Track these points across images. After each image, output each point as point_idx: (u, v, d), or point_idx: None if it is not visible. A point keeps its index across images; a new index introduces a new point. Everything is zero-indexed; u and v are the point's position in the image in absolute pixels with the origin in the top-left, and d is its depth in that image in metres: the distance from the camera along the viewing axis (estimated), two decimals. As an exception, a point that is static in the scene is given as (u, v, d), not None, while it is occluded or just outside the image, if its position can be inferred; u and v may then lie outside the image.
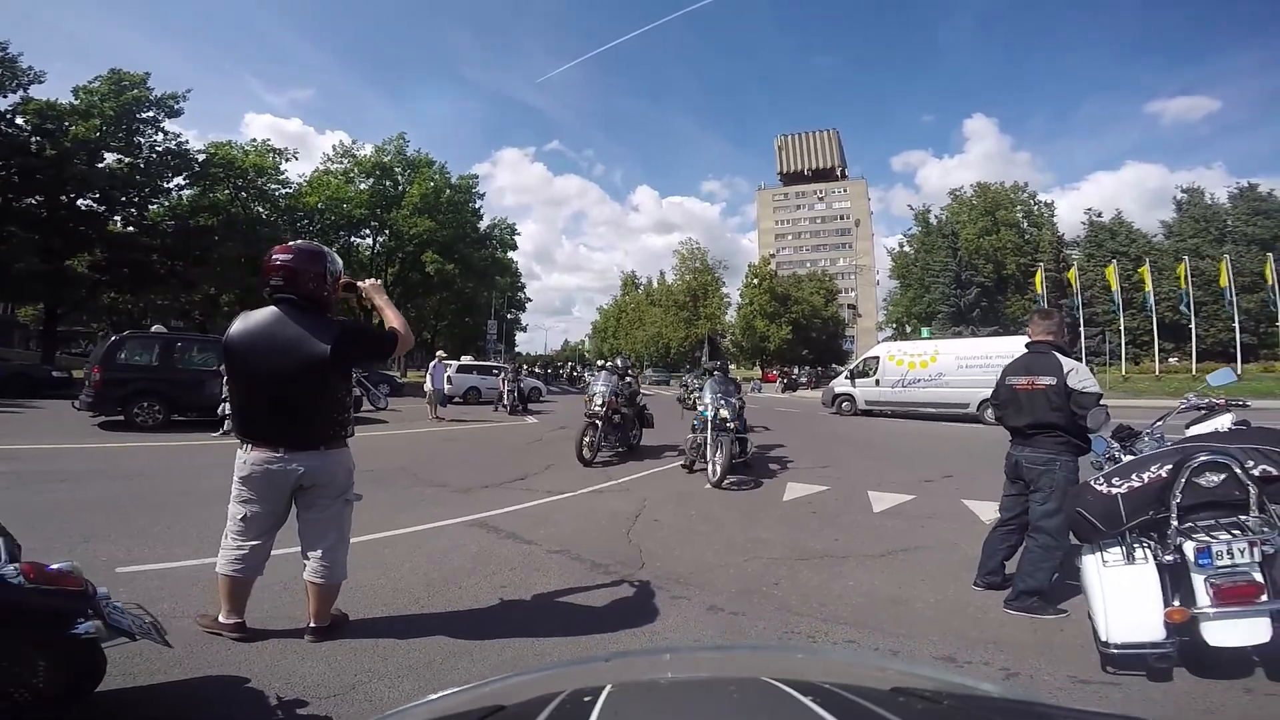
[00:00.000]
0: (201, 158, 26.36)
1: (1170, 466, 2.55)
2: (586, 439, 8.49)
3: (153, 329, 13.14)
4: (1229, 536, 2.43)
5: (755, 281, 60.36)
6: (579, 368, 29.37)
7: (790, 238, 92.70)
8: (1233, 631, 2.38)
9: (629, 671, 1.08)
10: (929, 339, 25.42)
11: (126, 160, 24.29)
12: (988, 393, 13.76)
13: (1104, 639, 2.53)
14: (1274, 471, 2.50)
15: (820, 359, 56.27)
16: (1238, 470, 2.45)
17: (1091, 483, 2.81)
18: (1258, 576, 2.36)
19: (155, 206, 25.23)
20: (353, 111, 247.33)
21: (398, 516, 5.20)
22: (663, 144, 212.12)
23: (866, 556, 4.51)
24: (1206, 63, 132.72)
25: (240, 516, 2.78)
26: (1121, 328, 34.88)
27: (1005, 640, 3.03)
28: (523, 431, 13.34)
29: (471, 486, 6.85)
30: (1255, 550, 2.38)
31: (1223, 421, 3.15)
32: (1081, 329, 36.10)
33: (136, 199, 24.59)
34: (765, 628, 3.21)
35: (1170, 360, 35.63)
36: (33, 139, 22.05)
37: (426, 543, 4.61)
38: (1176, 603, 2.45)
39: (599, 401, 8.81)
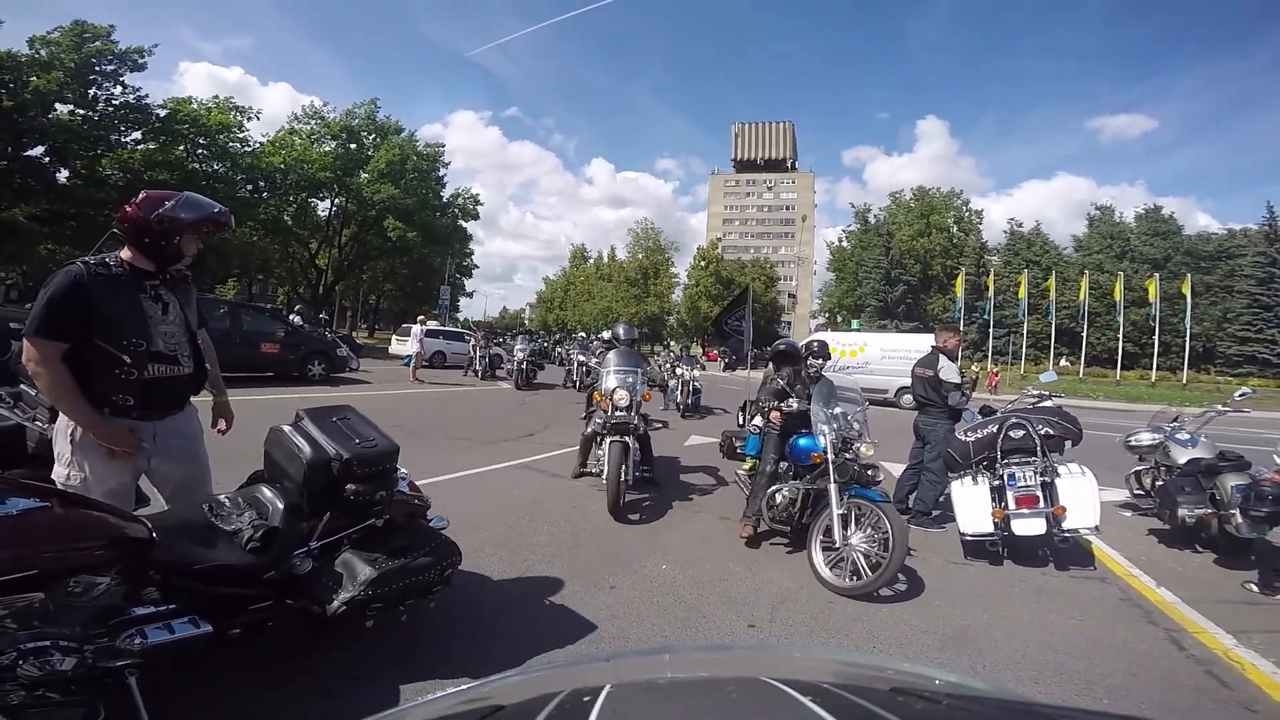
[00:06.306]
0: (163, 113, 25.49)
1: (996, 426, 4.44)
2: (611, 470, 4.87)
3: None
4: (1025, 469, 4.29)
5: (703, 264, 62.39)
6: (569, 337, 23.72)
7: (738, 223, 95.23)
8: (1026, 525, 4.25)
9: (628, 671, 1.10)
10: (858, 330, 28.02)
11: (80, 113, 23.41)
12: (903, 382, 15.91)
13: (961, 530, 4.36)
14: (1052, 432, 4.41)
15: (757, 342, 58.67)
16: (1030, 429, 4.34)
17: (957, 434, 4.68)
18: (1038, 493, 4.26)
19: (106, 160, 24.29)
20: (298, 63, 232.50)
21: (451, 461, 6.52)
22: (623, 118, 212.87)
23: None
24: (1153, 81, 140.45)
25: None
26: (1024, 331, 38.93)
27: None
28: (504, 395, 14.63)
29: (494, 440, 8.15)
30: (1037, 477, 4.28)
31: (1045, 404, 5.06)
32: (990, 330, 40.01)
33: (90, 153, 23.77)
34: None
35: (1062, 363, 39.99)
36: None
37: (492, 480, 5.99)
38: (998, 506, 4.29)
39: (625, 399, 5.23)
